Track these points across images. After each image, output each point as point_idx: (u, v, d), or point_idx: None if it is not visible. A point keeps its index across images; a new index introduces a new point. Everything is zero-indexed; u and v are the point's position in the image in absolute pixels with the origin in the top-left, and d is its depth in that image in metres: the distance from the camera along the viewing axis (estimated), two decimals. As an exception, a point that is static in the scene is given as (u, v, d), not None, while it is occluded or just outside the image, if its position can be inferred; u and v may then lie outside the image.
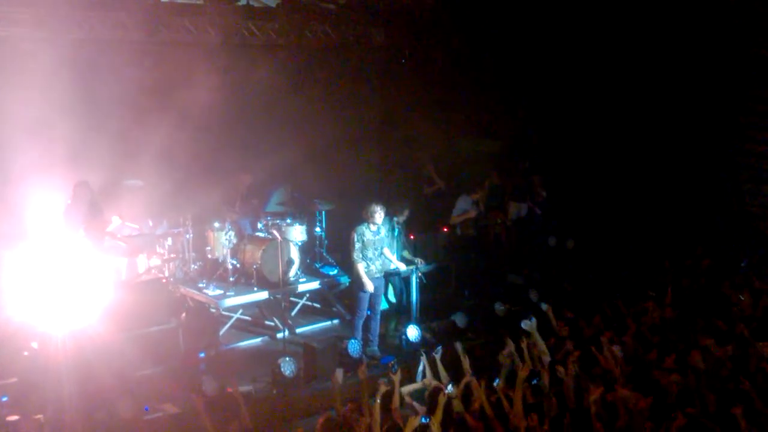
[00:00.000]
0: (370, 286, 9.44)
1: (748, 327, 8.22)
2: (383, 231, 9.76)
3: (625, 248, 12.64)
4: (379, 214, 9.54)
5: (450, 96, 14.91)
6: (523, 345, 8.04)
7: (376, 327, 9.79)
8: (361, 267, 9.47)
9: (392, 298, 10.74)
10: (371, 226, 9.54)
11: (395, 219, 10.47)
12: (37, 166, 10.00)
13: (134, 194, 11.16)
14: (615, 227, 13.19)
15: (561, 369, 7.23)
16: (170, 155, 11.69)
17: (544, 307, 9.36)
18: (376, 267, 9.63)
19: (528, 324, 8.74)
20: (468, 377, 7.29)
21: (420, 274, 10.42)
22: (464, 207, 11.89)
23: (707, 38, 12.80)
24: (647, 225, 13.16)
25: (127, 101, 11.13)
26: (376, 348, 9.65)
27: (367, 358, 9.32)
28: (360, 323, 9.67)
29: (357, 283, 9.58)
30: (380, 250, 9.70)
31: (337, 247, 11.91)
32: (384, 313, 10.89)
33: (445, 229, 12.13)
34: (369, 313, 9.67)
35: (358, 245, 9.47)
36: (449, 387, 6.68)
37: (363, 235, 9.50)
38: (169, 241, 10.65)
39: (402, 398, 6.93)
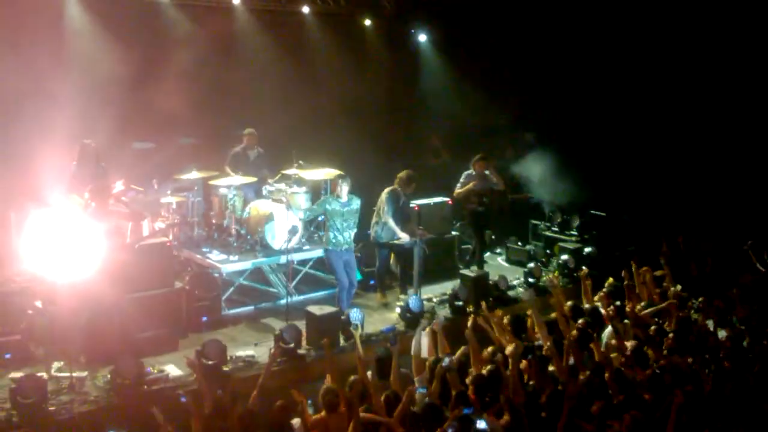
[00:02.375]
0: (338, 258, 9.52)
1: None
2: (356, 203, 9.76)
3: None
4: (345, 187, 9.61)
5: (460, 67, 14.81)
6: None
7: (347, 299, 9.85)
8: (330, 235, 9.64)
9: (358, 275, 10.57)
10: (341, 197, 9.62)
11: (398, 190, 10.48)
12: (43, 127, 10.00)
13: (140, 157, 11.20)
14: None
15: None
16: (176, 119, 11.71)
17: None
18: (343, 238, 9.65)
19: (527, 294, 8.77)
20: (464, 350, 7.35)
21: (423, 245, 10.43)
22: (467, 180, 11.67)
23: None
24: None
25: (135, 62, 11.09)
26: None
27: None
28: (343, 294, 9.71)
29: (327, 254, 9.75)
30: (350, 222, 9.71)
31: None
32: (387, 284, 11.00)
33: (450, 202, 12.15)
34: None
35: (326, 216, 9.68)
36: (446, 360, 6.71)
37: (326, 204, 9.67)
38: (174, 205, 10.66)
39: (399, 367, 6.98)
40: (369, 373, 7.03)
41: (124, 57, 10.98)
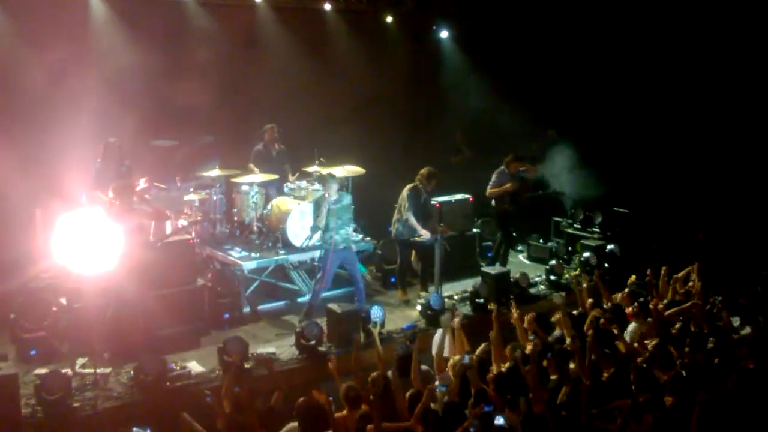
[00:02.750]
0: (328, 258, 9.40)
1: None
2: (347, 199, 9.69)
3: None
4: (329, 188, 9.50)
5: (481, 63, 14.75)
6: (555, 318, 8.07)
7: (361, 297, 9.82)
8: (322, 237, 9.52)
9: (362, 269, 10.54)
10: (332, 196, 9.51)
11: (420, 187, 10.47)
12: (66, 125, 10.10)
13: (163, 155, 11.27)
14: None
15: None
16: (198, 116, 11.78)
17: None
18: (340, 236, 9.59)
19: (558, 297, 8.75)
20: (484, 347, 7.34)
21: (444, 243, 10.42)
22: (501, 180, 11.58)
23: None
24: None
25: (157, 60, 11.18)
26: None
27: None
28: (321, 289, 9.62)
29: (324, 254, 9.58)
30: (344, 219, 9.64)
31: (364, 213, 11.99)
32: (409, 281, 10.99)
33: (471, 199, 12.11)
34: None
35: (320, 215, 9.52)
36: (466, 357, 6.70)
37: (320, 205, 9.55)
38: (196, 202, 10.74)
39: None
40: (390, 372, 7.03)
41: (147, 54, 11.04)
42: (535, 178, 11.70)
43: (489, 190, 11.56)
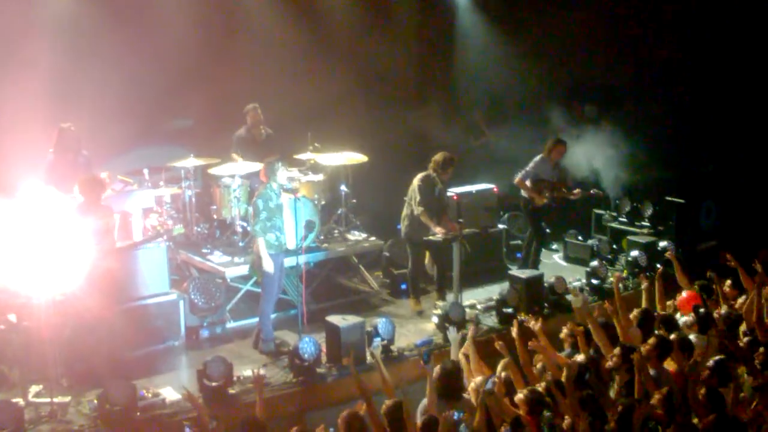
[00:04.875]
0: (270, 266, 9.15)
1: None
2: (282, 194, 9.51)
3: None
4: (282, 172, 9.36)
5: (504, 29, 14.70)
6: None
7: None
8: (262, 242, 9.18)
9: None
10: (274, 187, 9.33)
11: (434, 176, 10.43)
12: (16, 109, 10.09)
13: (127, 143, 11.26)
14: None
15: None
16: (168, 97, 11.77)
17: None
18: (284, 238, 9.42)
19: (577, 300, 8.67)
20: (504, 364, 7.30)
21: (464, 242, 10.37)
22: (539, 170, 11.43)
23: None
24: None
25: (120, 32, 11.17)
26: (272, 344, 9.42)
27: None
28: (270, 308, 9.49)
29: (261, 262, 9.25)
30: (283, 217, 9.49)
31: (368, 209, 11.96)
32: (422, 288, 10.95)
33: (496, 189, 12.07)
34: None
35: (263, 214, 9.20)
36: (489, 383, 6.66)
37: (269, 200, 9.29)
38: (168, 198, 10.72)
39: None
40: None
41: (108, 25, 11.04)
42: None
43: (518, 180, 11.48)
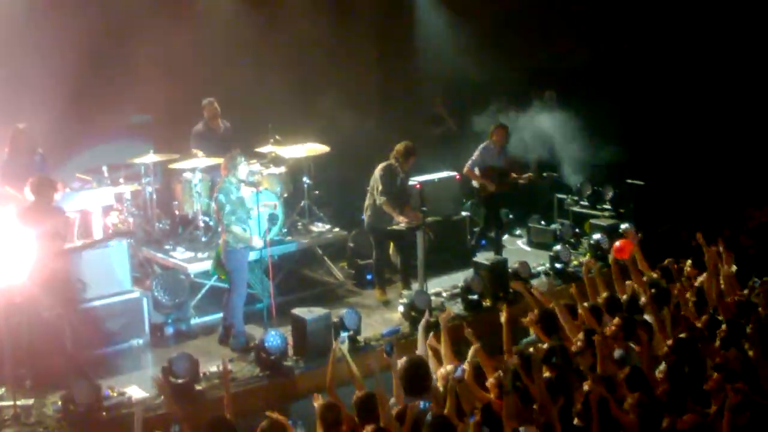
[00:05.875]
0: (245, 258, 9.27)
1: None
2: (243, 188, 9.56)
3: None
4: (243, 166, 9.36)
5: (463, 14, 14.71)
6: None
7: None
8: (238, 230, 9.21)
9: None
10: (234, 181, 9.33)
11: (395, 165, 10.44)
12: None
13: (84, 140, 11.14)
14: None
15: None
16: (124, 92, 11.66)
17: None
18: (250, 231, 9.42)
19: (542, 283, 8.74)
20: (474, 351, 7.32)
21: (427, 230, 10.40)
22: (484, 157, 11.60)
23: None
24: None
25: (71, 27, 11.03)
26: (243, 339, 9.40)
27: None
28: (241, 303, 9.45)
29: (232, 255, 9.27)
30: (248, 210, 9.52)
31: (331, 199, 11.93)
32: (387, 278, 10.97)
33: (458, 177, 12.11)
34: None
35: (227, 207, 9.19)
36: (458, 370, 6.68)
37: (230, 193, 9.27)
38: (128, 195, 10.62)
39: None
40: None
41: (63, 21, 10.91)
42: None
43: (466, 170, 11.59)
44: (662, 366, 6.88)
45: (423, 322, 8.18)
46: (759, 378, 6.85)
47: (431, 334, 7.87)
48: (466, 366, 7.03)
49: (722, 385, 6.39)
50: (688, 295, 8.75)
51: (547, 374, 6.81)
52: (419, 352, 7.56)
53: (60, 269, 8.14)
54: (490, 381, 6.79)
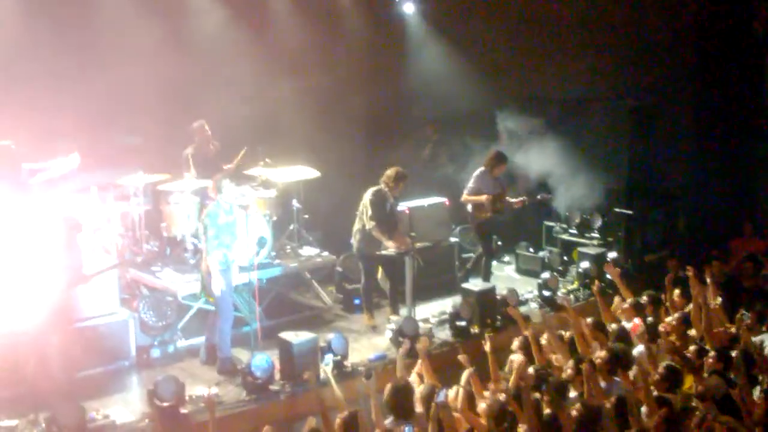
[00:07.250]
0: (221, 285, 9.12)
1: None
2: (236, 211, 9.57)
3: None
4: (228, 188, 9.33)
5: (455, 42, 14.81)
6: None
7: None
8: (215, 259, 9.15)
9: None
10: (224, 204, 9.32)
11: (385, 190, 10.48)
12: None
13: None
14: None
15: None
16: (114, 113, 11.67)
17: None
18: (232, 256, 9.38)
19: (537, 314, 8.83)
20: (464, 383, 7.34)
21: (416, 256, 10.44)
22: (480, 184, 11.60)
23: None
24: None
25: (62, 47, 11.08)
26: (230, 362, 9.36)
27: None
28: (228, 327, 9.41)
29: (213, 280, 9.19)
30: (235, 234, 9.47)
31: (320, 223, 11.94)
32: (375, 303, 10.98)
33: (447, 203, 12.16)
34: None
35: (212, 231, 9.22)
36: (441, 395, 6.70)
37: (217, 217, 9.24)
38: (117, 215, 10.60)
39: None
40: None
41: (54, 42, 10.93)
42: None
43: (464, 197, 11.63)
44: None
45: (401, 350, 8.24)
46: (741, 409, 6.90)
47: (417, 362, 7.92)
48: (452, 391, 7.07)
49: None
50: (674, 323, 8.83)
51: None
52: (398, 377, 7.59)
53: (53, 288, 8.15)
54: (481, 407, 6.83)
